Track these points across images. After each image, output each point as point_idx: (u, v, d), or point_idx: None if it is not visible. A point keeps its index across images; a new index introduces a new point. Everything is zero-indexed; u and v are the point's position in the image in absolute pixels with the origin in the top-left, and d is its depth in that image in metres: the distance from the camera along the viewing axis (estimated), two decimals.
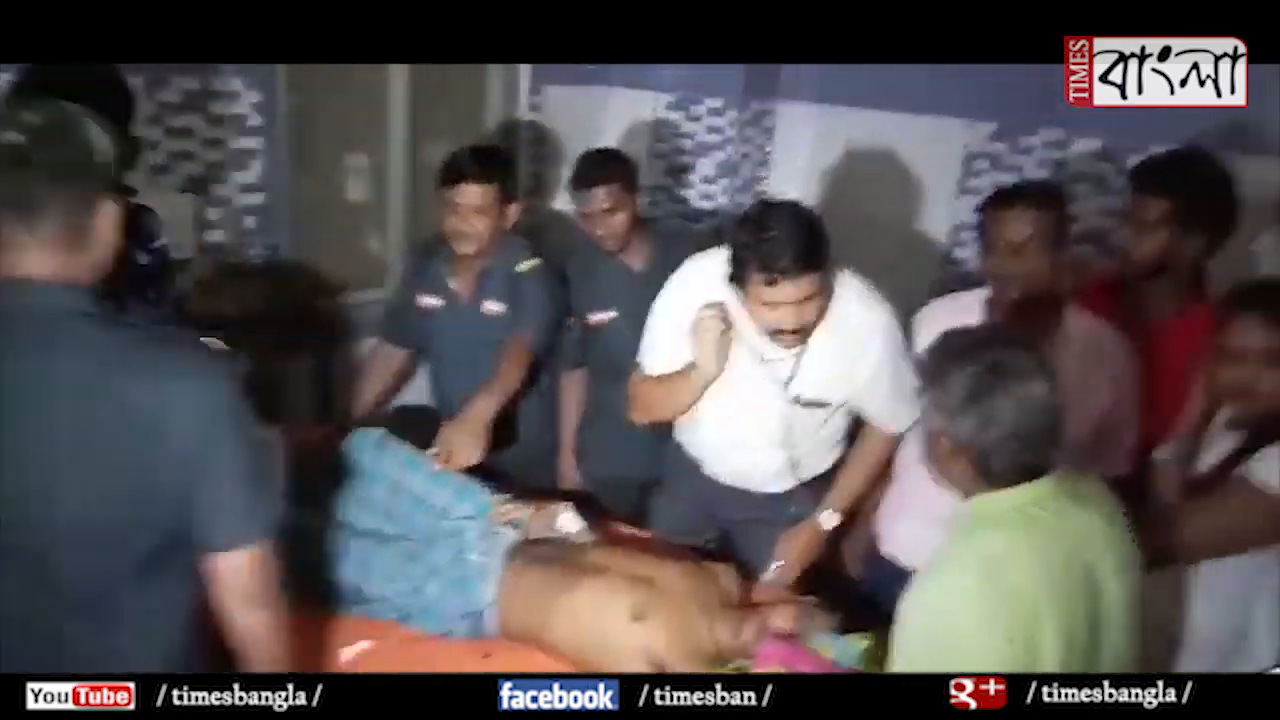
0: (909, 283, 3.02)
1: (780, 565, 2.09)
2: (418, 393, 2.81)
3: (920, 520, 2.00)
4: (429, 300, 2.52)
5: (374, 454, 2.15)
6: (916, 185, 3.21)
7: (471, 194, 2.32)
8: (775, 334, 1.85)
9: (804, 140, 3.42)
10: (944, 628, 1.29)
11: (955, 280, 3.09)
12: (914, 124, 3.16)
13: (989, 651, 1.25)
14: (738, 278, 1.82)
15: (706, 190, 3.40)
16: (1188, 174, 2.03)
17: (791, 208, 1.82)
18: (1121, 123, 2.66)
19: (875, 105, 3.22)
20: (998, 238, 1.90)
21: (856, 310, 1.94)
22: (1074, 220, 2.00)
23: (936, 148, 3.13)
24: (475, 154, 2.39)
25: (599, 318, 2.51)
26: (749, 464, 2.11)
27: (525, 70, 3.31)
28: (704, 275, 1.99)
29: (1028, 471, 1.33)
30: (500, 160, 2.47)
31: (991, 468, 1.33)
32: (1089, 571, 1.34)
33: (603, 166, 2.43)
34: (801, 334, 1.86)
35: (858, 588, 2.19)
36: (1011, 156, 3.03)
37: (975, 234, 3.03)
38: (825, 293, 1.86)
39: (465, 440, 2.19)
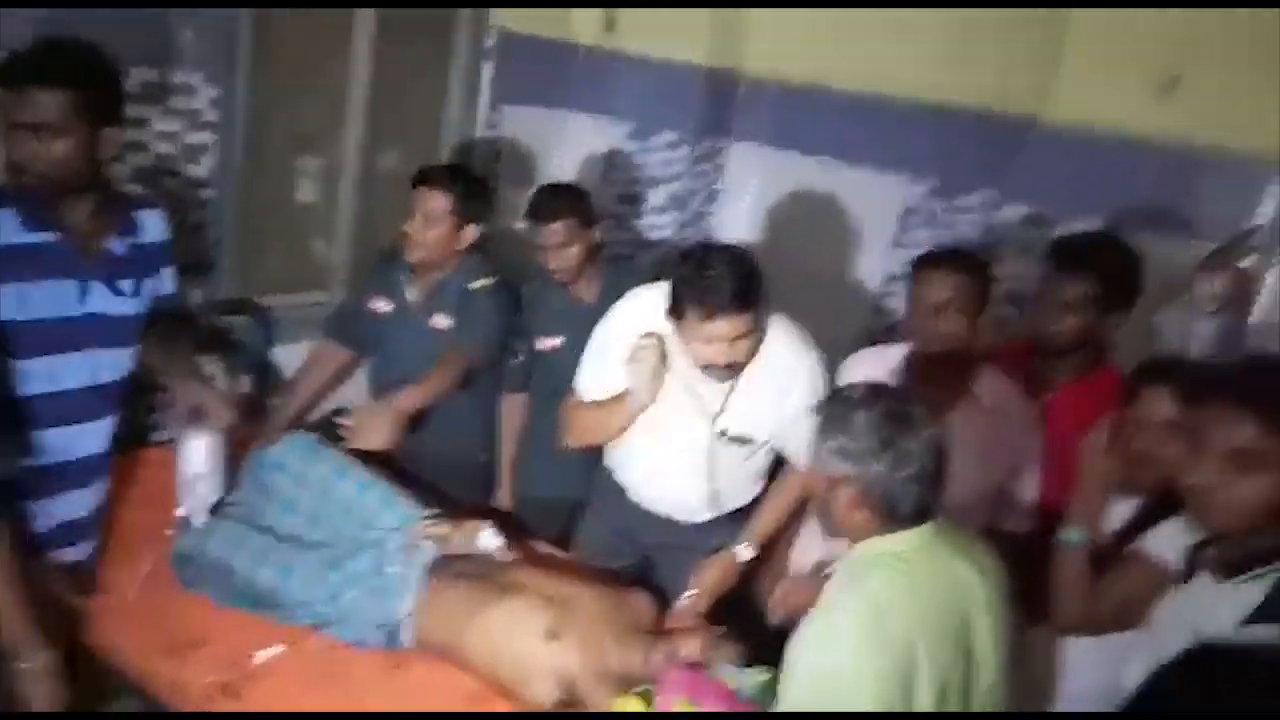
0: (839, 327, 3.14)
1: (693, 594, 2.16)
2: (358, 395, 2.83)
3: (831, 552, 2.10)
4: (381, 305, 2.56)
5: (306, 458, 2.17)
6: (854, 234, 3.31)
7: (428, 200, 2.37)
8: (708, 368, 1.93)
9: (752, 180, 3.52)
10: (827, 667, 1.36)
11: (883, 329, 3.21)
12: (859, 175, 3.27)
13: (867, 692, 1.33)
14: (676, 311, 1.90)
15: (655, 221, 3.47)
16: (1108, 258, 2.13)
17: (731, 250, 1.93)
18: (1052, 191, 2.85)
19: (823, 153, 3.34)
20: (921, 297, 2.01)
21: (785, 354, 2.04)
22: (994, 286, 2.09)
23: (877, 200, 3.24)
24: (444, 165, 2.48)
25: (546, 344, 2.57)
26: (672, 492, 2.18)
27: (485, 87, 3.35)
28: (643, 307, 2.07)
29: (924, 513, 1.43)
30: (465, 176, 2.52)
31: (898, 510, 1.42)
32: (964, 618, 1.44)
33: (560, 201, 2.50)
34: (733, 369, 1.95)
35: (767, 623, 2.26)
36: (946, 215, 3.15)
37: (905, 286, 3.21)
38: (758, 333, 1.95)
39: (376, 424, 2.26)
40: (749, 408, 2.04)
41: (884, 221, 3.23)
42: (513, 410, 2.68)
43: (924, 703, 1.37)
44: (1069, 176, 2.82)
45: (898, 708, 1.34)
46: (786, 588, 1.90)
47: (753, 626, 2.13)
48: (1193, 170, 2.65)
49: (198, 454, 1.94)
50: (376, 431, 2.27)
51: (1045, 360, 2.19)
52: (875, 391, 1.47)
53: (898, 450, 1.39)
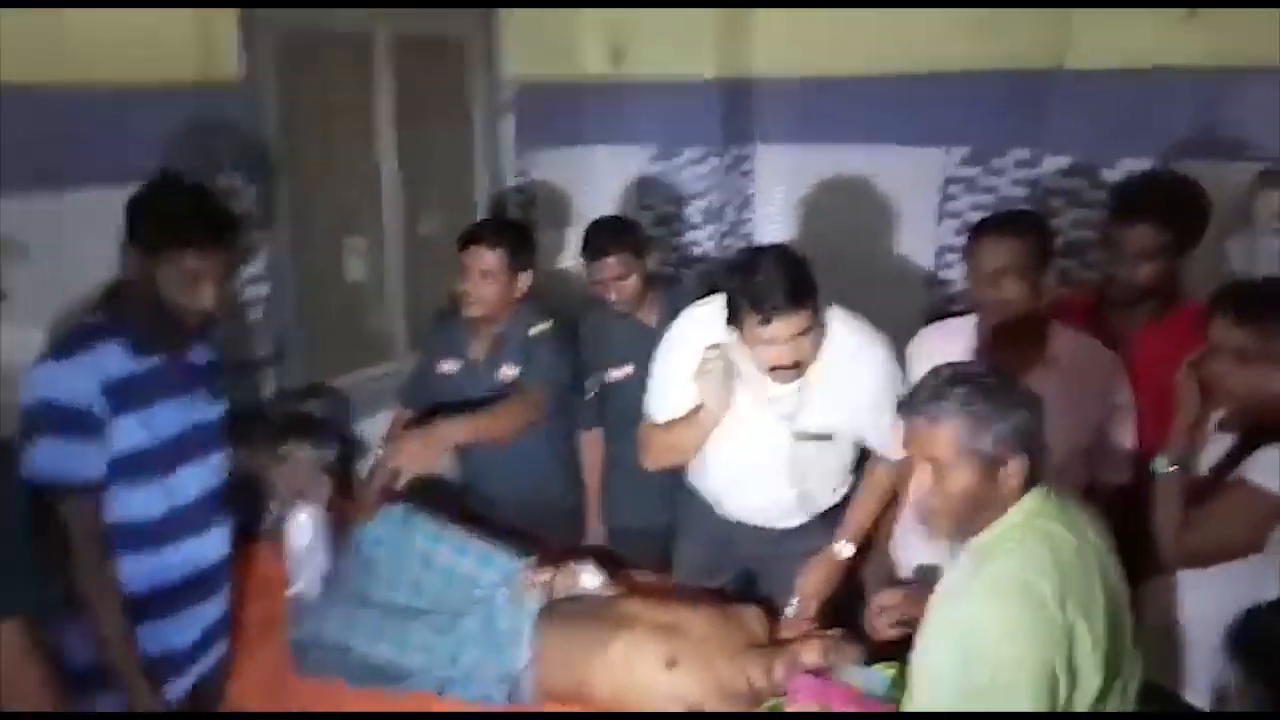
0: (897, 307, 3.11)
1: (798, 601, 2.14)
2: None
3: (932, 543, 2.07)
4: (447, 365, 2.61)
5: (401, 530, 2.21)
6: (897, 213, 3.31)
7: (480, 257, 2.42)
8: (773, 370, 1.93)
9: (783, 180, 3.53)
10: (979, 652, 1.31)
11: (943, 301, 3.19)
12: (891, 154, 3.27)
13: (1029, 675, 1.28)
14: (734, 320, 1.91)
15: (694, 237, 3.49)
16: (1173, 198, 2.08)
17: (777, 250, 1.94)
18: (1089, 137, 2.80)
19: (851, 139, 3.34)
20: (979, 266, 1.98)
21: (849, 342, 2.02)
22: (1053, 244, 2.05)
23: (913, 176, 3.23)
24: (487, 221, 2.53)
25: (616, 374, 2.60)
26: (761, 501, 2.18)
27: (509, 139, 3.41)
28: (701, 321, 2.09)
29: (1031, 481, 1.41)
30: (511, 227, 2.58)
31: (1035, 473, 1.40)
32: (1100, 579, 1.39)
33: (613, 235, 2.56)
34: (798, 368, 1.94)
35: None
36: (985, 178, 3.12)
37: (959, 256, 3.17)
38: (818, 327, 1.94)
39: (415, 449, 2.28)
40: (822, 403, 2.03)
41: (925, 196, 3.22)
42: (591, 447, 2.71)
43: (1090, 678, 1.33)
44: (1104, 119, 2.78)
45: (1062, 689, 1.30)
46: (883, 601, 1.84)
47: (864, 624, 2.12)
48: (1228, 91, 2.60)
49: (304, 529, 2.02)
50: (413, 457, 2.27)
51: (1120, 308, 2.14)
52: (972, 369, 1.47)
53: (1016, 416, 1.39)
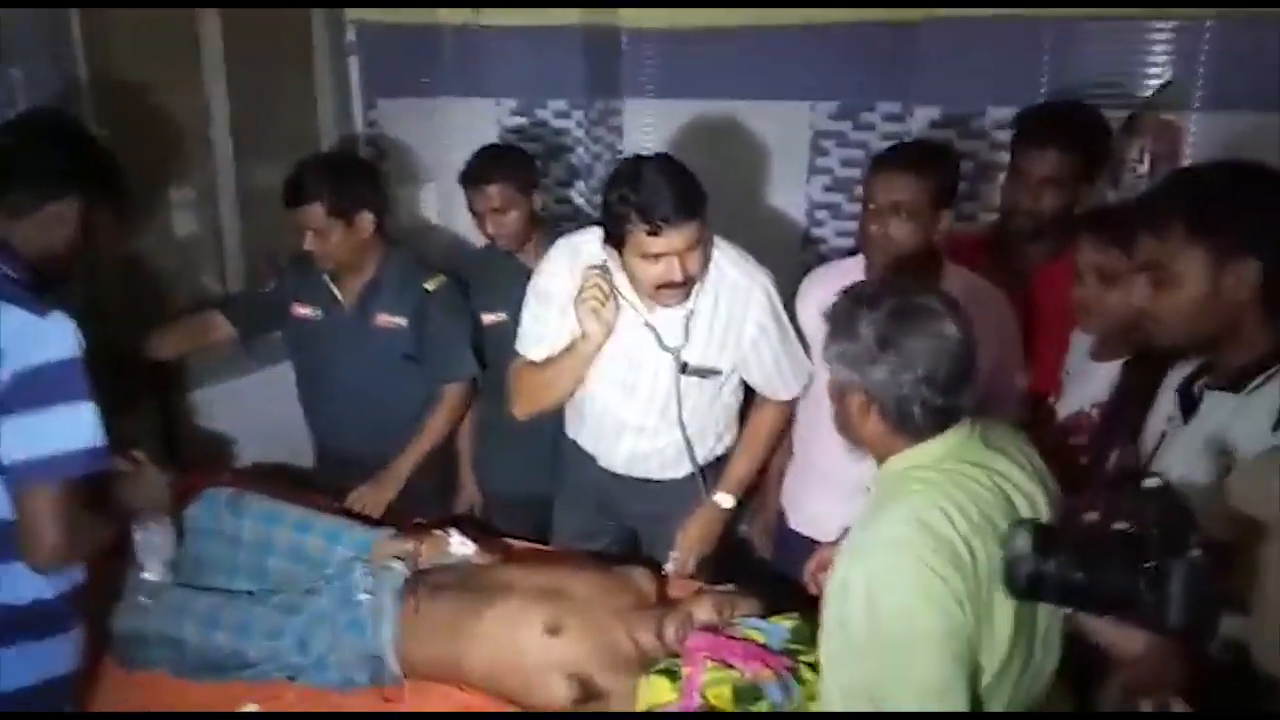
0: (771, 267, 3.06)
1: (678, 554, 2.03)
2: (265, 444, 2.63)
3: (827, 492, 1.99)
4: (305, 310, 2.38)
5: (229, 516, 1.97)
6: (768, 169, 3.23)
7: (304, 216, 2.20)
8: (661, 289, 1.79)
9: (651, 136, 3.40)
10: (890, 605, 1.20)
11: (816, 260, 3.14)
12: (758, 110, 3.19)
13: (942, 625, 1.19)
14: (616, 236, 1.77)
15: (561, 194, 3.33)
16: (1080, 129, 2.06)
17: (663, 158, 1.82)
18: (956, 89, 2.80)
19: (719, 94, 3.24)
20: (873, 197, 1.88)
21: (735, 273, 1.92)
22: (956, 184, 1.95)
23: (784, 132, 3.16)
24: (301, 174, 2.24)
25: (490, 319, 2.41)
26: (642, 446, 2.03)
27: (356, 87, 3.14)
28: (577, 249, 1.94)
29: (945, 416, 1.30)
30: (330, 173, 2.29)
31: (909, 416, 1.28)
32: (1018, 513, 1.30)
33: (497, 163, 2.38)
34: (686, 287, 1.81)
35: (769, 568, 2.15)
36: (855, 133, 3.09)
37: (830, 213, 3.14)
38: (705, 247, 1.82)
39: (373, 498, 2.27)
40: (708, 336, 1.91)
41: (796, 152, 3.16)
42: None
43: (1003, 628, 1.24)
44: (971, 69, 2.77)
45: (973, 632, 1.21)
46: (825, 557, 1.70)
47: (755, 577, 2.02)
48: (1093, 38, 2.64)
49: (150, 534, 1.82)
50: (378, 501, 2.28)
51: (1019, 245, 2.10)
52: (883, 288, 1.35)
53: (901, 350, 1.26)
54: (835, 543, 1.75)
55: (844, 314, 1.32)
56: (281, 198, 2.26)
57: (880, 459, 1.36)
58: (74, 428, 1.40)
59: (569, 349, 1.90)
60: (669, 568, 2.03)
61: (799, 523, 2.08)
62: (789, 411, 2.06)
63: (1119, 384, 1.75)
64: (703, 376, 1.94)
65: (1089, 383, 1.83)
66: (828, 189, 3.15)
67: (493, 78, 3.34)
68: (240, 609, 1.83)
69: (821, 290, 2.02)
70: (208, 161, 2.81)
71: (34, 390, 1.37)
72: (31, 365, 1.37)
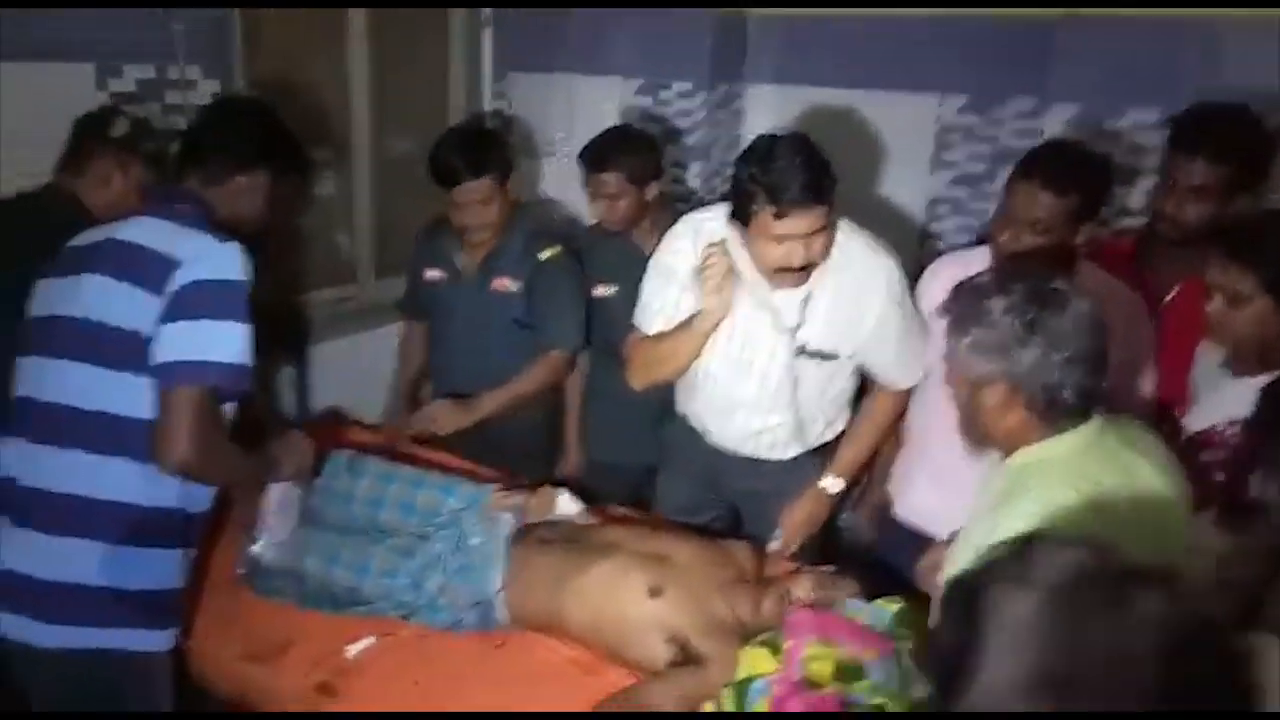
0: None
1: (781, 534, 2.03)
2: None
3: (936, 483, 1.97)
4: (433, 273, 2.50)
5: (347, 476, 2.06)
6: (889, 161, 3.19)
7: (471, 190, 2.28)
8: (780, 272, 1.78)
9: (772, 121, 3.39)
10: None
11: (933, 256, 3.09)
12: (885, 100, 3.15)
13: None
14: (742, 214, 1.75)
15: (678, 175, 3.35)
16: (1236, 138, 1.93)
17: (798, 139, 1.76)
18: (1093, 88, 2.72)
19: (844, 83, 3.22)
20: (1011, 207, 1.80)
21: (860, 256, 1.88)
22: (1104, 201, 1.85)
23: (908, 123, 3.12)
24: (467, 148, 2.32)
25: (601, 291, 2.45)
26: (754, 424, 2.03)
27: (488, 58, 3.22)
28: (700, 226, 1.94)
29: (1091, 399, 1.25)
30: (485, 144, 2.40)
31: (1058, 401, 1.24)
32: (1157, 527, 1.26)
33: (615, 151, 2.39)
34: (805, 272, 1.79)
35: (872, 556, 2.14)
36: (985, 128, 3.03)
37: (951, 208, 3.08)
38: (829, 232, 1.79)
39: (450, 417, 2.36)
40: (828, 317, 1.89)
41: (920, 144, 3.10)
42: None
43: None
44: (1111, 69, 2.69)
45: None
46: (930, 557, 1.66)
47: (858, 562, 2.02)
48: (1237, 42, 2.53)
49: (277, 490, 1.86)
50: (452, 420, 2.37)
51: (1163, 251, 1.99)
52: (1008, 273, 1.30)
53: (1048, 331, 1.21)
54: (948, 542, 1.74)
55: (972, 304, 1.28)
56: (442, 177, 2.31)
57: (1008, 453, 1.32)
58: (225, 342, 1.47)
59: (686, 324, 1.90)
60: (771, 546, 2.03)
61: (906, 512, 2.06)
62: (905, 401, 2.04)
63: (1260, 405, 1.68)
64: (821, 359, 1.93)
65: (1223, 398, 1.76)
66: (951, 183, 3.10)
67: (619, 56, 3.37)
68: (359, 548, 1.91)
69: (946, 280, 1.99)
70: (346, 126, 2.92)
71: (199, 300, 1.46)
72: (202, 278, 1.47)
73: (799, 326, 1.89)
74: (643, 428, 2.33)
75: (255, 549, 1.89)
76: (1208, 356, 1.83)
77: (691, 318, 1.89)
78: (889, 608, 1.65)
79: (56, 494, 1.50)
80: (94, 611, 1.52)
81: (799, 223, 1.69)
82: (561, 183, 3.44)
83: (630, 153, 2.41)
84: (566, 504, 1.99)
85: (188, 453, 1.44)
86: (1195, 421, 1.81)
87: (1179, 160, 1.94)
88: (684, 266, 1.92)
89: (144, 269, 1.48)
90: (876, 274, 1.89)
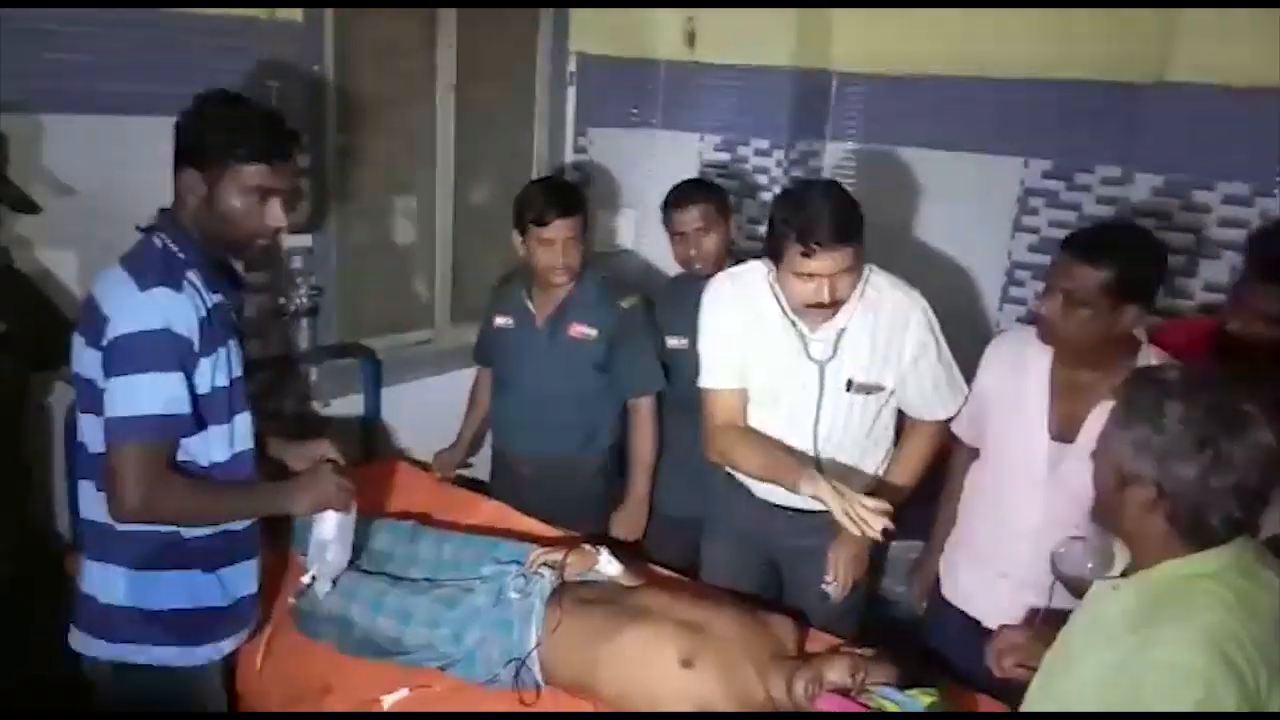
0: (966, 324, 2.96)
1: (832, 580, 2.00)
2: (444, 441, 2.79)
3: (985, 569, 1.92)
4: (502, 320, 2.57)
5: (409, 544, 2.14)
6: (969, 224, 3.14)
7: (561, 228, 2.37)
8: (809, 308, 1.87)
9: (850, 180, 3.38)
10: (1196, 703, 1.12)
11: (1014, 320, 3.02)
12: (965, 161, 3.11)
13: None
14: (775, 252, 1.86)
15: (754, 230, 3.36)
16: None
17: (828, 185, 1.90)
18: (1184, 156, 2.62)
19: (923, 143, 3.19)
20: (1050, 275, 1.78)
21: (890, 294, 1.96)
22: (1155, 277, 1.77)
23: (990, 186, 3.07)
24: (559, 189, 2.46)
25: (674, 343, 2.50)
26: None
27: (571, 114, 3.31)
28: (739, 278, 2.03)
29: (1239, 530, 1.20)
30: (573, 189, 2.52)
31: (1204, 523, 1.19)
32: None
33: (699, 187, 2.52)
34: (833, 308, 1.87)
35: (919, 636, 2.08)
36: (1069, 194, 2.95)
37: (1033, 274, 3.00)
38: (858, 272, 1.88)
39: (637, 527, 2.52)
40: (871, 354, 1.95)
41: (1002, 207, 3.05)
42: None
43: None
44: (1200, 138, 2.60)
45: None
46: (1012, 640, 1.61)
47: (904, 645, 1.96)
48: None
49: (330, 521, 1.88)
50: (635, 524, 2.52)
51: (1248, 345, 1.86)
52: (1197, 378, 1.23)
53: (1218, 454, 1.16)
54: (1029, 624, 1.69)
55: (1149, 401, 1.22)
56: (537, 213, 2.38)
57: (1143, 555, 1.27)
58: (149, 395, 1.48)
59: (783, 470, 1.89)
60: (828, 589, 2.01)
61: (951, 594, 2.01)
62: (943, 434, 2.07)
63: None
64: (867, 393, 1.97)
65: None
66: (1032, 249, 3.03)
67: (699, 113, 3.43)
68: (403, 598, 1.96)
69: (1005, 355, 1.95)
70: (430, 175, 3.04)
71: (122, 356, 1.48)
72: (122, 333, 1.48)
73: (830, 360, 1.95)
74: (702, 481, 2.32)
75: (307, 579, 1.95)
76: None
77: (792, 472, 1.85)
78: (922, 700, 1.60)
79: (84, 521, 1.62)
80: (128, 629, 1.60)
81: (825, 262, 1.79)
82: (639, 236, 3.50)
83: (709, 189, 2.53)
84: (606, 564, 1.99)
85: (134, 506, 1.49)
86: (1269, 528, 1.71)
87: (1259, 286, 1.82)
88: (727, 315, 2.01)
89: (91, 325, 1.53)
90: (910, 309, 1.97)
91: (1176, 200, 2.63)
